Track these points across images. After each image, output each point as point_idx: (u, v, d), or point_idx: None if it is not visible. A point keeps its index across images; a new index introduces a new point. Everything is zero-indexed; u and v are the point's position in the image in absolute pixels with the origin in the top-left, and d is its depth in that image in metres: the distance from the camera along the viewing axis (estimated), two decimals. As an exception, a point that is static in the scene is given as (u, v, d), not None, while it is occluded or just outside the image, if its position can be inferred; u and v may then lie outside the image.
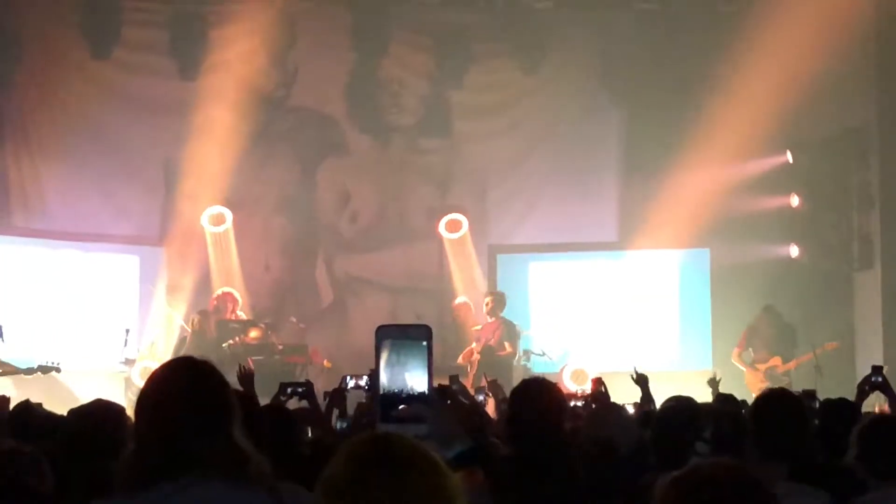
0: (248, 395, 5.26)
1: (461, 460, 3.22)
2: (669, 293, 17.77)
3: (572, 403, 8.38)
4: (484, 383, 10.42)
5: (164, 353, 16.24)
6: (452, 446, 3.25)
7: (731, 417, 5.46)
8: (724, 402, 7.71)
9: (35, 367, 14.40)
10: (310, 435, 6.61)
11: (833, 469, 5.15)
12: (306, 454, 5.40)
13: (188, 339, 15.91)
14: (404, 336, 3.22)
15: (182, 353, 15.50)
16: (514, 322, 16.18)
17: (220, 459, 3.32)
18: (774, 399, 5.46)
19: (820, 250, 17.57)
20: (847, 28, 15.15)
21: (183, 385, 3.39)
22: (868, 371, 7.88)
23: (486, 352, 15.75)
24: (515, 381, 11.48)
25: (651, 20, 17.05)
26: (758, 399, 5.55)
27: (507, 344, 15.87)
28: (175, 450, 3.31)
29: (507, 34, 17.56)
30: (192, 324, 16.00)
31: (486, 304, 16.27)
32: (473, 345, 16.03)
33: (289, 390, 7.56)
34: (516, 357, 15.99)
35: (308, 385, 7.72)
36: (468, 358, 15.83)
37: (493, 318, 16.12)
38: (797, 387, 14.10)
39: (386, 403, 3.15)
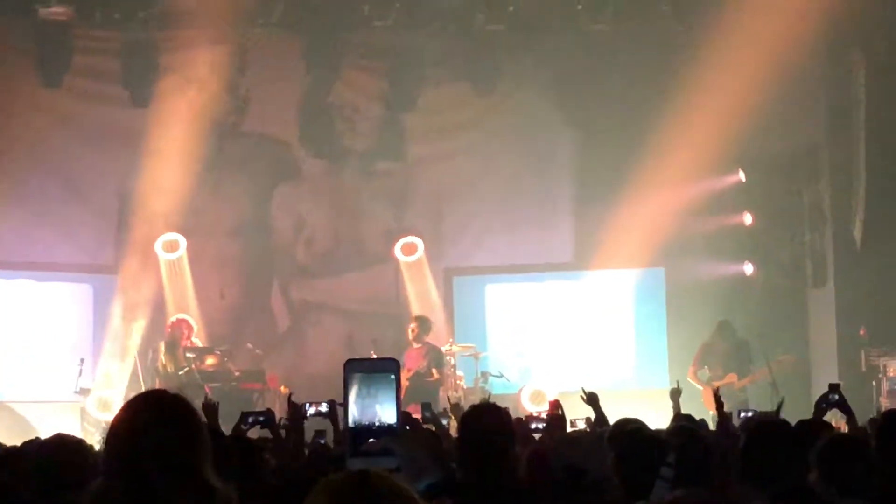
0: (213, 428, 5.23)
1: (431, 491, 3.22)
2: (625, 313, 17.83)
3: (533, 426, 8.38)
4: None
5: (118, 383, 16.15)
6: (422, 478, 3.25)
7: (696, 441, 5.47)
8: (685, 422, 7.70)
9: None
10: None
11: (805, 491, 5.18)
12: (273, 483, 5.37)
13: (159, 368, 15.75)
14: (372, 369, 3.22)
15: (148, 383, 15.46)
16: (439, 347, 16.18)
17: (189, 495, 3.29)
18: (770, 429, 5.49)
19: (773, 268, 17.70)
20: (797, 47, 15.28)
21: (154, 420, 3.35)
22: (823, 387, 7.92)
23: (416, 378, 15.69)
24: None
25: (603, 41, 17.13)
26: (752, 428, 5.57)
27: (434, 371, 15.83)
28: (144, 485, 3.28)
29: (460, 56, 17.61)
30: (159, 354, 15.83)
31: (412, 331, 16.17)
32: None
33: (250, 419, 7.52)
34: (443, 384, 15.94)
35: (269, 413, 7.69)
36: None
37: (419, 345, 16.07)
38: (753, 403, 14.23)
39: (356, 437, 3.15)
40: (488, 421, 5.35)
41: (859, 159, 16.57)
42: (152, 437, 3.30)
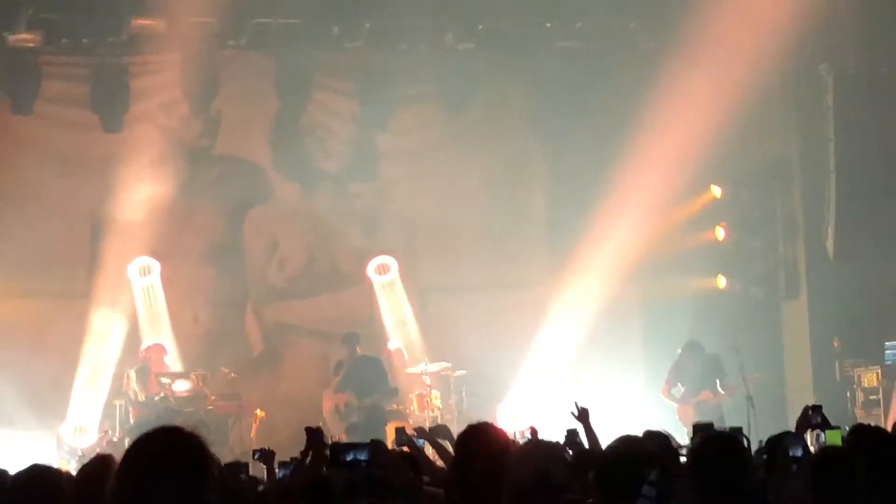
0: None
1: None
2: (601, 329, 17.81)
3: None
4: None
5: (94, 410, 16.04)
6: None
7: (672, 458, 5.46)
8: (654, 439, 7.62)
9: None
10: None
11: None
12: None
13: (130, 395, 15.67)
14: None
15: (124, 410, 15.40)
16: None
17: None
18: (713, 442, 5.45)
19: (747, 280, 17.77)
20: (766, 61, 15.37)
21: (164, 457, 3.30)
22: (798, 399, 7.90)
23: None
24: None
25: (574, 58, 17.16)
26: (696, 443, 5.53)
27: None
28: None
29: (431, 76, 17.61)
30: (130, 381, 15.76)
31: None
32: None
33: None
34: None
35: (269, 453, 7.83)
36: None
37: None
38: (729, 418, 14.24)
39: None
40: (487, 442, 5.23)
41: (829, 170, 16.68)
42: (164, 474, 3.25)
